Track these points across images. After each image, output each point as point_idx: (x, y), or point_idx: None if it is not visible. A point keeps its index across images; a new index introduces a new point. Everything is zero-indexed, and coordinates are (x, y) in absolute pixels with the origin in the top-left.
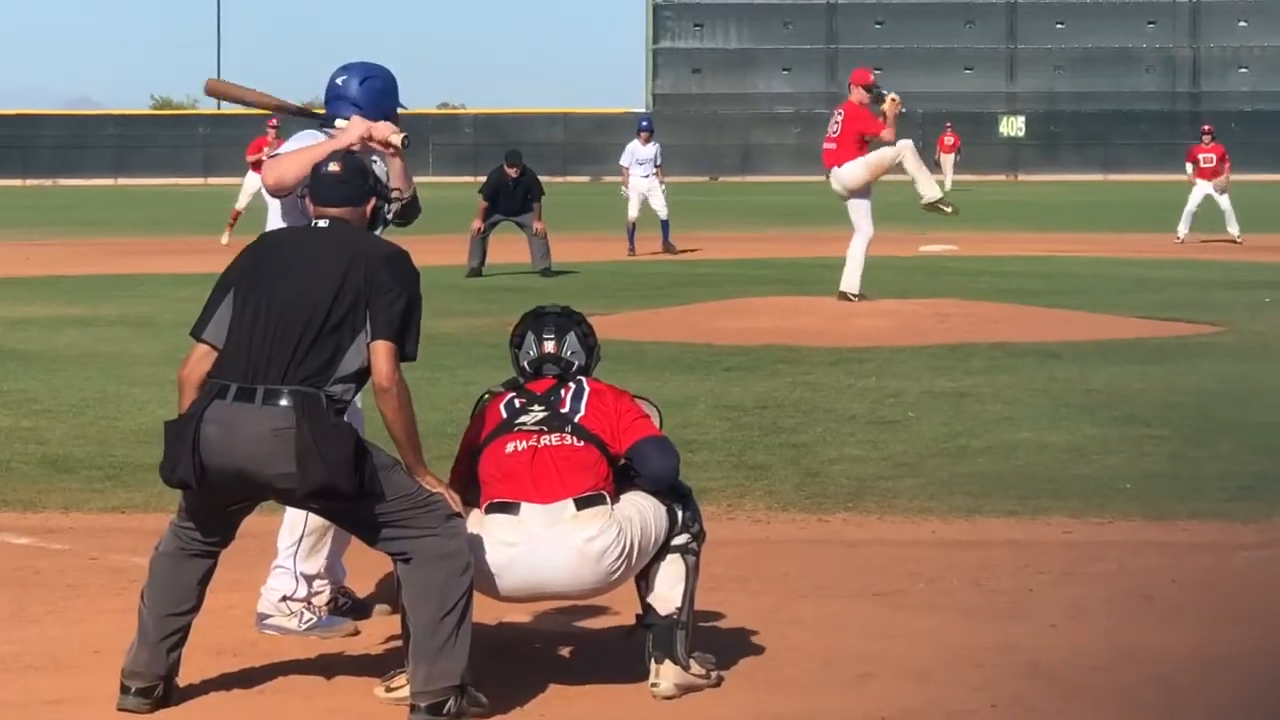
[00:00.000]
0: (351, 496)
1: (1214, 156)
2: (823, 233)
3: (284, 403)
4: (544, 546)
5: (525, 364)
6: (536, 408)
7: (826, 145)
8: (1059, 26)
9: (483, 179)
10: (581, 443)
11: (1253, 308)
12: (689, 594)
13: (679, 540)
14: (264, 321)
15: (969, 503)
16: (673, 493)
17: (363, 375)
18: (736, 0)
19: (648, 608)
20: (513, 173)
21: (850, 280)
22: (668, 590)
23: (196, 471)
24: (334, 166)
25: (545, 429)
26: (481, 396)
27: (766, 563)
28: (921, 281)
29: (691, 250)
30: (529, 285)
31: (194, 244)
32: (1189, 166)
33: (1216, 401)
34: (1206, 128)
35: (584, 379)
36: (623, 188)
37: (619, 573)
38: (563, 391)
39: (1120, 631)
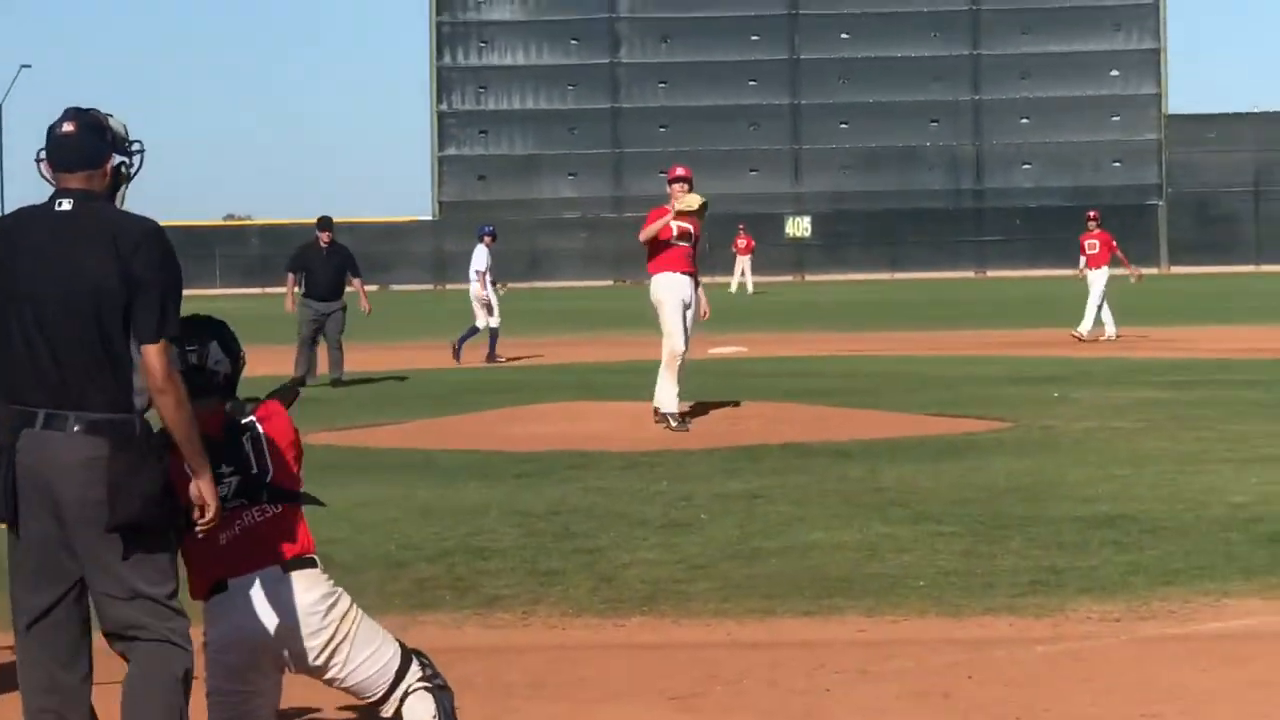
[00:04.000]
0: (157, 529)
1: (1098, 243)
2: (613, 338)
3: (94, 432)
4: (256, 607)
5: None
6: (225, 470)
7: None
8: (843, 127)
9: (272, 290)
10: (279, 508)
11: (1040, 402)
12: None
13: (413, 675)
14: (42, 333)
15: (763, 604)
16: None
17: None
18: (521, 107)
19: None
20: (324, 239)
21: (658, 397)
22: None
23: (10, 509)
24: (69, 126)
25: (244, 502)
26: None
27: (562, 669)
28: (713, 384)
29: (519, 358)
30: (319, 395)
31: None
32: (1081, 259)
33: (1007, 497)
34: (1092, 214)
35: (256, 423)
36: (499, 291)
37: (332, 641)
38: (243, 439)
39: None
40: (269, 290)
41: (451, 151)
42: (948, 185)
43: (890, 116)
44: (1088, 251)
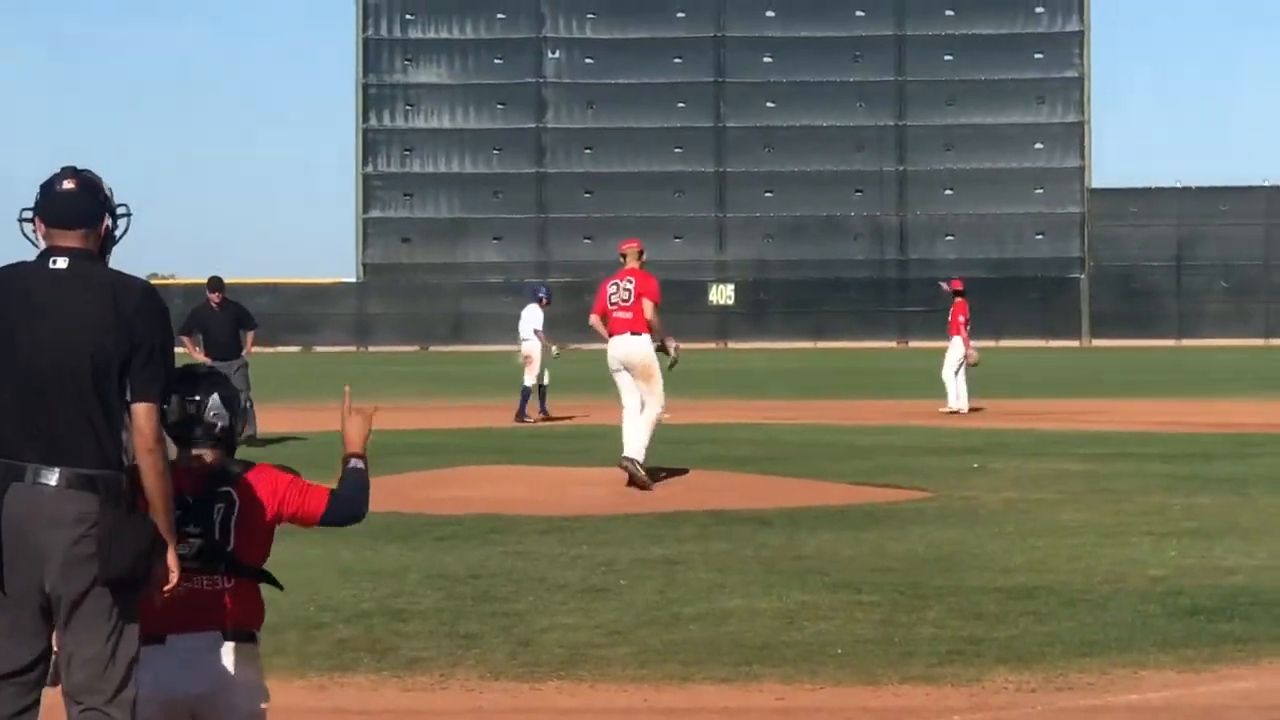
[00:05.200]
0: (143, 584)
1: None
2: (533, 401)
3: (86, 487)
4: (185, 668)
5: (170, 422)
6: (192, 530)
7: (620, 314)
8: (767, 195)
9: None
10: (232, 582)
11: (960, 472)
12: None
13: None
14: (35, 388)
15: (681, 670)
16: None
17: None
18: (446, 170)
19: None
20: (215, 299)
21: (640, 447)
22: None
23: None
24: (69, 183)
25: (199, 566)
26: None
27: None
28: None
29: (565, 418)
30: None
31: None
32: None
33: (926, 566)
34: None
35: (234, 492)
36: (555, 352)
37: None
38: (215, 507)
39: None
40: (183, 351)
41: (376, 213)
42: (871, 255)
43: (815, 185)
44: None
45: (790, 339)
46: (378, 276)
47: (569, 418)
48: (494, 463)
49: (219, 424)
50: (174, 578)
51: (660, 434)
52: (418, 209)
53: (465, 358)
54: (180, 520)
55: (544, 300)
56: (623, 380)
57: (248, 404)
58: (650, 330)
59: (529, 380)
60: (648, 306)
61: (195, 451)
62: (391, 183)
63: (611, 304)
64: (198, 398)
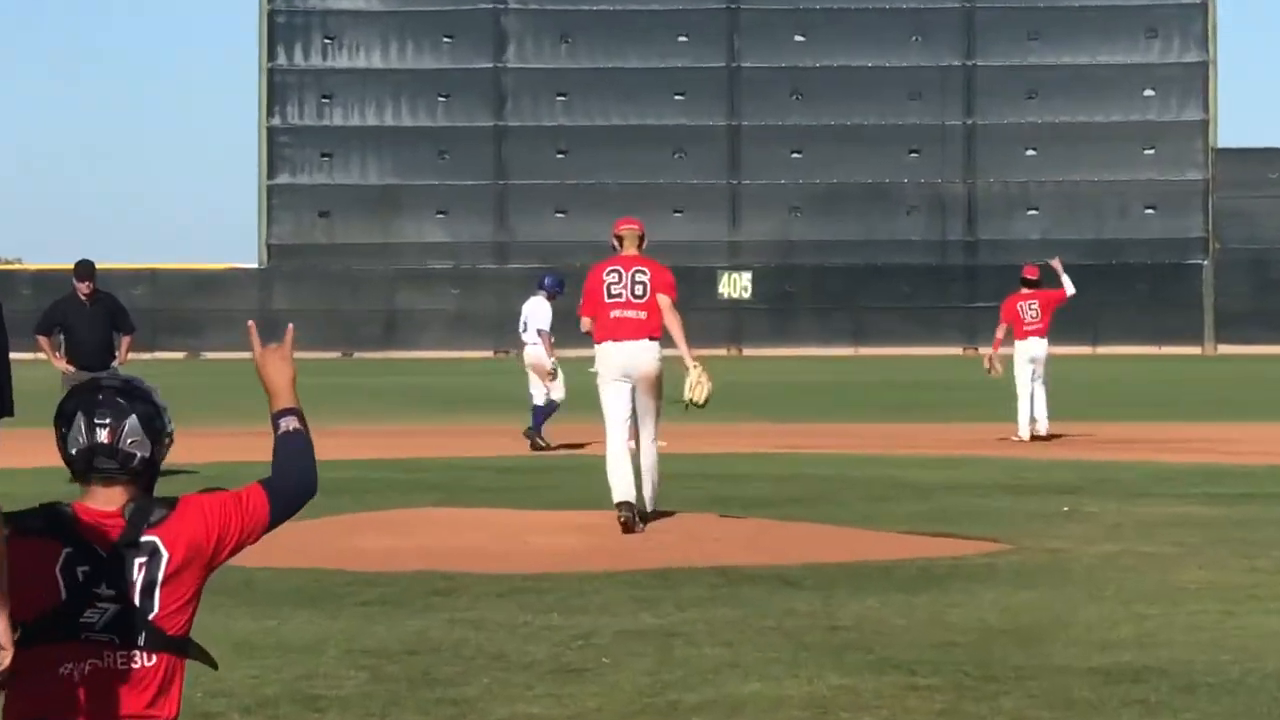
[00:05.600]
0: None
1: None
2: (484, 425)
3: None
4: None
5: (73, 452)
6: (105, 592)
7: (626, 313)
8: (795, 156)
9: (44, 355)
10: (154, 659)
11: (1045, 518)
12: None
13: None
14: None
15: None
16: None
17: None
18: (376, 123)
19: None
20: (84, 290)
21: (652, 487)
22: None
23: None
24: None
25: (114, 640)
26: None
27: None
28: None
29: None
30: None
31: None
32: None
33: (1000, 640)
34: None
35: (160, 543)
36: (551, 363)
37: None
38: (135, 562)
39: None
40: (42, 356)
41: (284, 179)
42: (930, 234)
43: (856, 144)
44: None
45: (823, 343)
46: (287, 261)
47: (581, 445)
48: (436, 504)
49: (138, 454)
50: (5, 658)
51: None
52: (339, 173)
53: (400, 365)
54: (89, 579)
55: (553, 292)
56: (617, 399)
57: None
58: (660, 336)
59: (556, 394)
60: (665, 304)
61: (104, 489)
62: (304, 139)
63: (611, 297)
64: (107, 420)
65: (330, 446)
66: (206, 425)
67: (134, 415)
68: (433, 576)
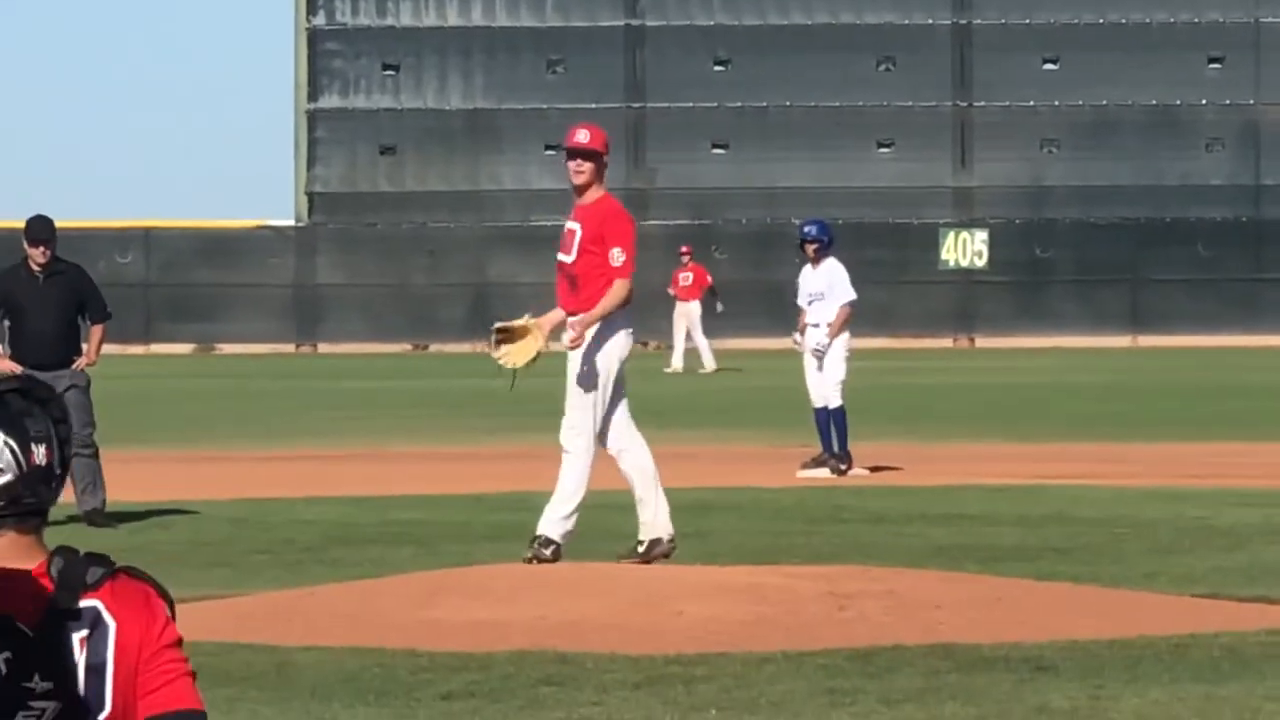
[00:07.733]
0: None
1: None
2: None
3: None
4: None
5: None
6: (39, 686)
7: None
8: (1048, 68)
9: None
10: None
11: None
12: None
13: None
14: None
15: None
16: None
17: None
18: (459, 24)
19: None
20: (39, 258)
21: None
22: None
23: None
24: None
25: None
26: None
27: None
28: (800, 534)
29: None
30: (74, 541)
31: None
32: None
33: None
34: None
35: (103, 611)
36: (796, 337)
37: None
38: (75, 638)
39: None
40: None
41: (332, 102)
42: (1239, 178)
43: (1134, 49)
44: None
45: (1088, 330)
46: (334, 215)
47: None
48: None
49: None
50: None
51: (847, 502)
52: (408, 95)
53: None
54: (15, 670)
55: (813, 249)
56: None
57: (86, 451)
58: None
59: (835, 398)
60: (616, 258)
61: (19, 536)
62: (360, 45)
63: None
64: (46, 436)
65: (391, 476)
66: (221, 447)
67: (55, 430)
68: (542, 659)
